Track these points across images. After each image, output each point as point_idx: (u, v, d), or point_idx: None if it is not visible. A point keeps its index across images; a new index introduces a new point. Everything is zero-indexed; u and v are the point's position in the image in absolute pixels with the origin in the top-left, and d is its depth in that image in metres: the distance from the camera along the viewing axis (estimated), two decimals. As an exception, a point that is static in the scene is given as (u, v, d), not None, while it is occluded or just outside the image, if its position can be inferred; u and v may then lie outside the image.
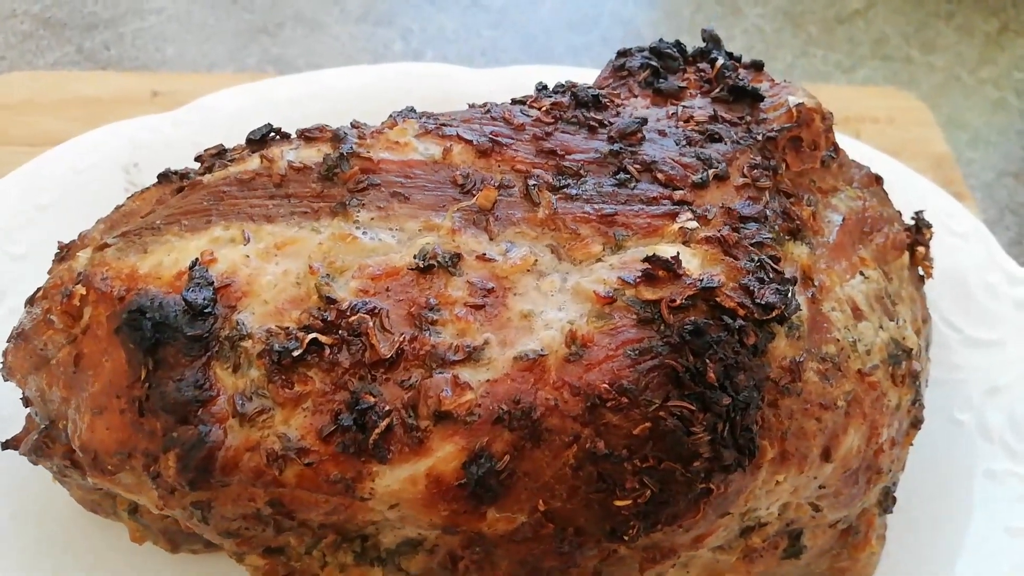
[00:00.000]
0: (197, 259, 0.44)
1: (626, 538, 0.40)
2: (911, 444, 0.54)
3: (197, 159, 0.56)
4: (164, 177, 0.56)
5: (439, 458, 0.40)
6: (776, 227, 0.46)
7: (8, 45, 1.01)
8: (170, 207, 0.49)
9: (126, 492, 0.46)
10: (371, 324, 0.41)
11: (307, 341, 0.40)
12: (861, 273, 0.49)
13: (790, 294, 0.42)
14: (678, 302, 0.40)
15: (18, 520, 0.56)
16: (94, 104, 0.91)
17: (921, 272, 0.59)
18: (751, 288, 0.41)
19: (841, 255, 0.49)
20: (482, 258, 0.44)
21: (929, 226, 0.58)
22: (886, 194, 0.59)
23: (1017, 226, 0.90)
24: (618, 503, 0.39)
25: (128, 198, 0.57)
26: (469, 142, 0.48)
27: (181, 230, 0.47)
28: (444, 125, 0.49)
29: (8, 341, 0.52)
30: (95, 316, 0.45)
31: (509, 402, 0.40)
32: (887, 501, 0.55)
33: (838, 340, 0.46)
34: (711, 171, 0.46)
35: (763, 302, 0.41)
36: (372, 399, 0.40)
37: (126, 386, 0.42)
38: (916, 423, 0.54)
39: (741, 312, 0.40)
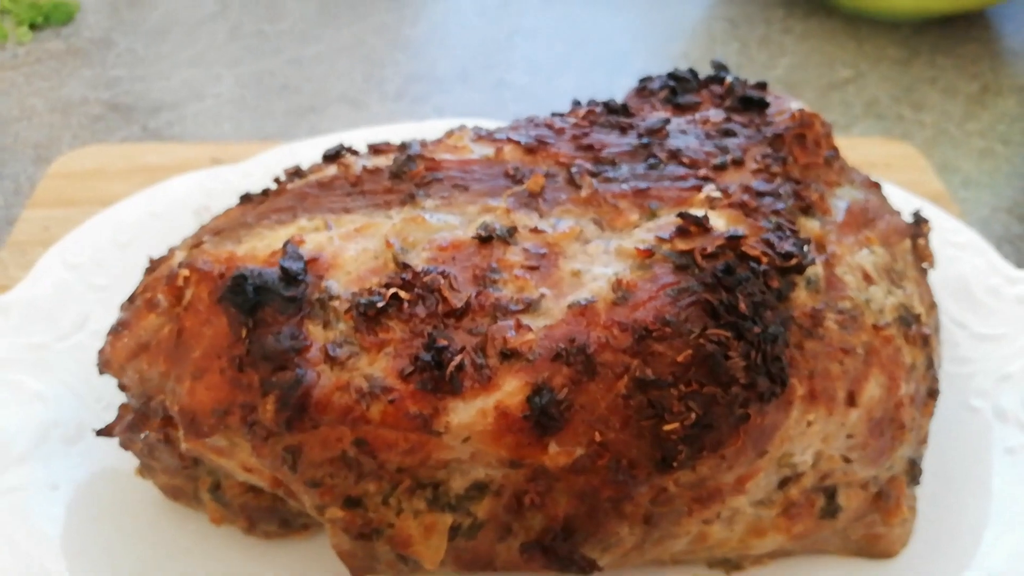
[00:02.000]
0: (289, 240, 0.51)
1: (675, 464, 0.45)
2: (931, 415, 0.59)
3: (275, 180, 0.64)
4: (246, 198, 0.63)
5: (506, 392, 0.45)
6: (789, 203, 0.53)
7: (81, 126, 1.13)
8: (262, 207, 0.56)
9: (216, 456, 0.51)
10: (442, 282, 0.47)
11: (389, 295, 0.46)
12: (868, 248, 0.55)
13: (806, 248, 0.48)
14: (709, 250, 0.46)
15: (103, 516, 0.61)
16: (159, 171, 1.00)
17: (925, 266, 0.65)
18: (771, 241, 0.47)
19: (849, 232, 0.55)
20: (534, 230, 0.50)
21: (926, 221, 0.64)
22: (884, 197, 0.66)
23: (1015, 255, 0.96)
24: (666, 428, 0.44)
25: (212, 219, 0.65)
26: (518, 143, 0.55)
27: (271, 223, 0.54)
28: (495, 132, 0.57)
29: (108, 335, 0.58)
30: (197, 293, 0.51)
31: (566, 341, 0.45)
32: (914, 471, 0.59)
33: (852, 298, 0.51)
34: (729, 156, 0.53)
35: (783, 251, 0.47)
36: (446, 342, 0.45)
37: (227, 347, 0.48)
38: (932, 393, 0.58)
39: (764, 259, 0.46)
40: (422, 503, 0.48)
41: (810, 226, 0.53)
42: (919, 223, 0.63)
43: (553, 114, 0.60)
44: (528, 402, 0.44)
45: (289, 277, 0.48)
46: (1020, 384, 0.68)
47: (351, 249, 0.51)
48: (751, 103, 0.59)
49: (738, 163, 0.53)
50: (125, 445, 0.57)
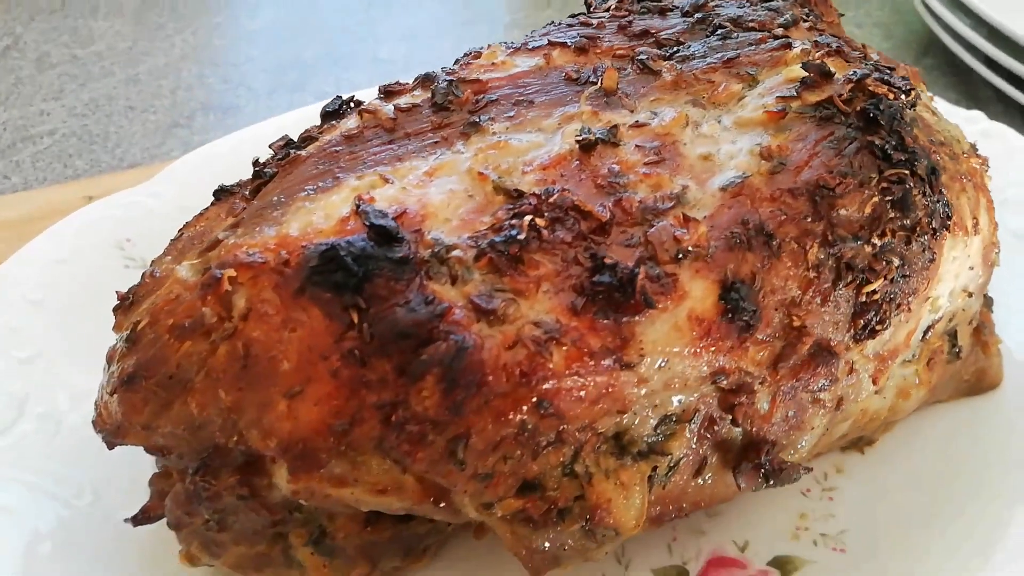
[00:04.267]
0: (358, 199, 0.41)
1: (879, 328, 0.41)
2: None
3: (255, 163, 0.52)
4: (223, 191, 0.51)
5: (695, 298, 0.38)
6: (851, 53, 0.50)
7: None
8: (279, 185, 0.45)
9: (335, 488, 0.40)
10: (573, 199, 0.40)
11: (526, 225, 0.38)
12: (916, 89, 0.55)
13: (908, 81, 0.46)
14: (844, 95, 0.43)
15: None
16: (22, 224, 0.82)
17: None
18: (886, 78, 0.45)
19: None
20: (636, 125, 0.44)
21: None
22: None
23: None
24: (868, 288, 0.40)
25: (184, 226, 0.52)
26: (565, 45, 0.49)
27: (311, 194, 0.43)
28: (527, 42, 0.50)
29: (111, 394, 0.44)
30: (254, 295, 0.40)
31: (738, 225, 0.40)
32: (987, 298, 0.60)
33: (939, 131, 0.50)
34: (788, 14, 0.50)
35: (899, 85, 0.45)
36: (614, 259, 0.38)
37: (333, 343, 0.38)
38: (988, 216, 0.59)
39: (891, 94, 0.44)
40: (611, 460, 0.40)
41: (875, 71, 0.51)
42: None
43: (572, 15, 0.53)
44: (723, 301, 0.38)
45: (388, 236, 0.38)
46: (1005, 214, 0.71)
47: (435, 195, 0.42)
48: (761, -29, 0.56)
49: (795, 21, 0.50)
50: (178, 524, 0.44)
